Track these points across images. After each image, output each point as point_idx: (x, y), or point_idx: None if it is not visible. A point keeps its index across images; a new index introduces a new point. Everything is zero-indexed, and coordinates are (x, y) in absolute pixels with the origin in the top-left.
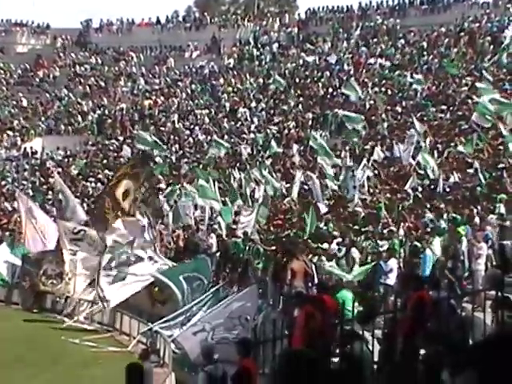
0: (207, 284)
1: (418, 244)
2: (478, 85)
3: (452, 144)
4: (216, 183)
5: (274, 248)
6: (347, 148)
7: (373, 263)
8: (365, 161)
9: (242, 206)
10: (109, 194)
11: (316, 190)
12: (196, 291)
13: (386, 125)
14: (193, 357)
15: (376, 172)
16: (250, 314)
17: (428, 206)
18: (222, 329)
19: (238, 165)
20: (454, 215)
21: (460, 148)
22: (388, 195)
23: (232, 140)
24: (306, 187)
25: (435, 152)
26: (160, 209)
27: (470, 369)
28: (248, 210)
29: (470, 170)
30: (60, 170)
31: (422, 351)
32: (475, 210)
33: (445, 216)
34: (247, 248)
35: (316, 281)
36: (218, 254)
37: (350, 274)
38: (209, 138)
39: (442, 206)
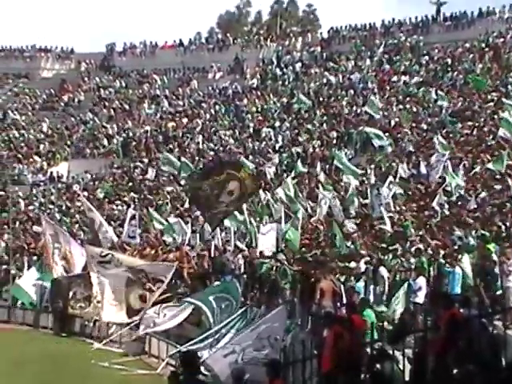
0: (236, 306)
1: (445, 261)
2: (504, 100)
3: (478, 160)
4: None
5: (301, 268)
6: (372, 166)
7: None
8: (391, 178)
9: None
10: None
11: (336, 207)
12: (225, 311)
13: (411, 142)
14: (223, 378)
15: (402, 190)
16: (279, 334)
17: (456, 223)
18: (251, 349)
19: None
20: (483, 232)
21: (489, 165)
22: (415, 213)
23: (257, 160)
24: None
25: (461, 169)
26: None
27: None
28: (266, 229)
29: (498, 186)
30: (86, 193)
31: (455, 371)
32: (503, 227)
33: (473, 233)
34: (274, 268)
35: (344, 300)
36: (245, 275)
37: (389, 310)
38: (233, 158)
39: (471, 222)
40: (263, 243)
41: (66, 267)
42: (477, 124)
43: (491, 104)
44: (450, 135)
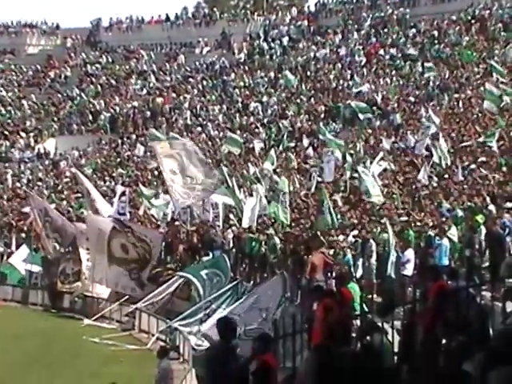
0: (225, 280)
1: (434, 233)
2: (492, 63)
3: (465, 133)
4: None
5: (290, 242)
6: (360, 140)
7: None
8: (381, 154)
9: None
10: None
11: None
12: (215, 287)
13: (398, 115)
14: None
15: (388, 163)
16: (273, 303)
17: (444, 195)
18: (251, 322)
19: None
20: (470, 204)
21: (481, 139)
22: (402, 186)
23: (245, 135)
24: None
25: (448, 141)
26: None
27: (503, 364)
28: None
29: (483, 159)
30: (74, 169)
31: (443, 342)
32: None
33: (461, 205)
34: (264, 243)
35: (334, 274)
36: (234, 250)
37: None
38: (221, 133)
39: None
40: (247, 217)
41: (59, 240)
42: (463, 96)
43: (478, 76)
44: (437, 108)
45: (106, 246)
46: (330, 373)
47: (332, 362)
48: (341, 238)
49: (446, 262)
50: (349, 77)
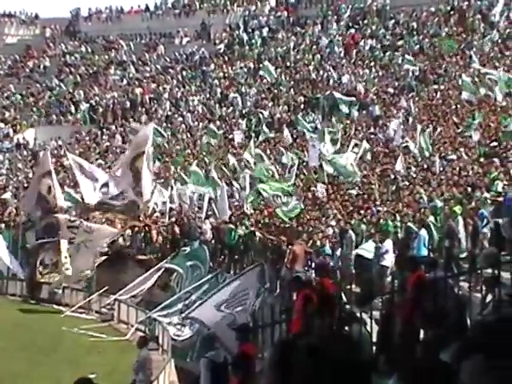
0: (204, 271)
1: (412, 225)
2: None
3: (444, 123)
4: (213, 169)
5: (269, 232)
6: (339, 130)
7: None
8: (353, 141)
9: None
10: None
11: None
12: (194, 279)
13: (377, 106)
14: (212, 326)
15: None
16: (251, 292)
17: (422, 185)
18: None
19: (231, 150)
20: (449, 194)
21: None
22: (381, 176)
23: (224, 126)
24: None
25: (427, 131)
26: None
27: (477, 353)
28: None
29: (462, 149)
30: (54, 159)
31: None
32: (469, 189)
33: (439, 195)
34: (243, 234)
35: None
36: (213, 241)
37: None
38: (201, 124)
39: (436, 185)
40: (220, 208)
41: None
42: (442, 87)
43: (456, 68)
44: (416, 99)
45: None
46: (290, 366)
47: (294, 356)
48: (322, 228)
49: (424, 252)
50: (328, 67)
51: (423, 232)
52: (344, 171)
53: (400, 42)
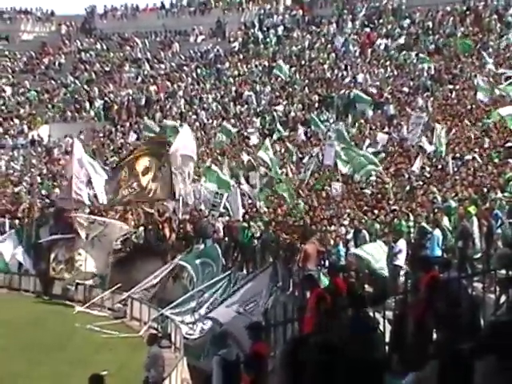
0: (216, 270)
1: (426, 225)
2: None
3: (459, 123)
4: (226, 168)
5: (283, 231)
6: (354, 129)
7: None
8: (368, 141)
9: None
10: (128, 166)
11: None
12: (206, 277)
13: (392, 106)
14: (230, 328)
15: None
16: (262, 296)
17: (437, 186)
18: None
19: (245, 148)
20: (464, 195)
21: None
22: (395, 175)
23: (238, 124)
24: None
25: (442, 131)
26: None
27: (490, 354)
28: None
29: (477, 150)
30: (68, 157)
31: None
32: (485, 189)
33: (454, 196)
34: (257, 233)
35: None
36: (226, 239)
37: (378, 263)
38: (215, 122)
39: (450, 185)
40: (233, 207)
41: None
42: (457, 87)
43: (471, 68)
44: (431, 98)
45: None
46: (302, 365)
47: (306, 354)
48: (333, 227)
49: (438, 252)
50: (343, 67)
51: (437, 232)
52: (358, 164)
53: (415, 42)
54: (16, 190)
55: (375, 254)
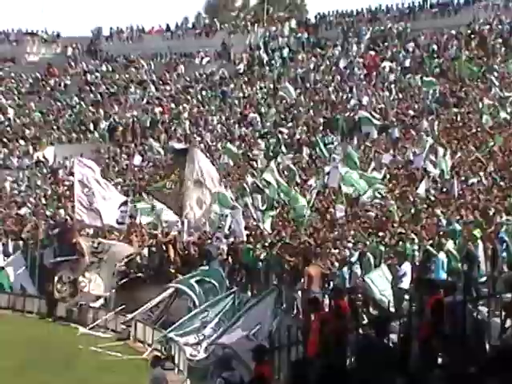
0: (219, 289)
1: (431, 248)
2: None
3: (463, 147)
4: (228, 190)
5: (287, 253)
6: (359, 152)
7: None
8: (373, 164)
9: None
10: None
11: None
12: (208, 294)
13: (397, 129)
14: (242, 353)
15: (388, 175)
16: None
17: (442, 209)
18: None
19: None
20: (471, 218)
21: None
22: (400, 198)
23: (243, 146)
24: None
25: (447, 154)
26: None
27: (495, 377)
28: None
29: (481, 173)
30: (72, 178)
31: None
32: (491, 212)
33: (458, 219)
34: (261, 255)
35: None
36: (230, 261)
37: (382, 293)
38: (220, 144)
39: (457, 207)
40: (237, 228)
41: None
42: (462, 110)
43: (476, 91)
44: (436, 122)
45: None
46: None
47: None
48: (336, 250)
49: (443, 275)
50: (348, 89)
51: (442, 255)
52: (363, 186)
53: (420, 65)
54: (21, 212)
55: (380, 284)
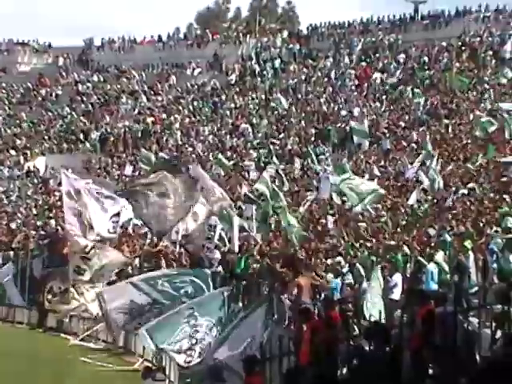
0: (205, 289)
1: (422, 259)
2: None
3: (454, 158)
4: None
5: (278, 263)
6: (351, 163)
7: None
8: (367, 176)
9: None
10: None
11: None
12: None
13: (388, 140)
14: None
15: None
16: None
17: (433, 220)
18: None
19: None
20: (460, 229)
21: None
22: (391, 209)
23: (235, 156)
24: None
25: (438, 165)
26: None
27: None
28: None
29: (471, 185)
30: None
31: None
32: (481, 224)
33: (449, 230)
34: (253, 264)
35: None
36: (223, 271)
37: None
38: (211, 154)
39: (448, 218)
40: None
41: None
42: (453, 122)
43: (467, 103)
44: (427, 133)
45: None
46: None
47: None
48: (329, 261)
49: (433, 286)
50: (339, 100)
51: (431, 266)
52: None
53: (411, 76)
54: (12, 224)
55: (375, 301)
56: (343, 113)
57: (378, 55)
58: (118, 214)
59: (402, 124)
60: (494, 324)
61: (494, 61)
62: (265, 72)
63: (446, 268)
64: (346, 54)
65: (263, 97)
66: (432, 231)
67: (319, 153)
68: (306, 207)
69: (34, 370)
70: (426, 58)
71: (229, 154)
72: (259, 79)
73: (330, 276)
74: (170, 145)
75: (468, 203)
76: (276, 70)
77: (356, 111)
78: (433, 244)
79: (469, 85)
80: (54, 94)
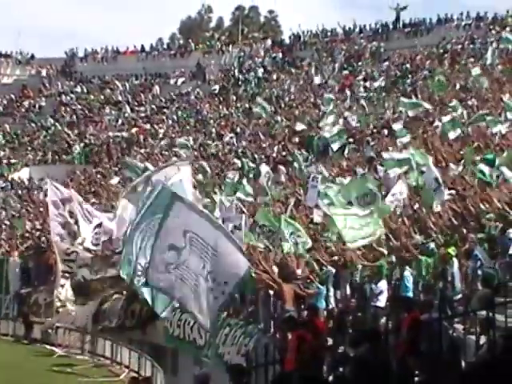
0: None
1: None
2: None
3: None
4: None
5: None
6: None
7: None
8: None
9: None
10: None
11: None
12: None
13: (370, 147)
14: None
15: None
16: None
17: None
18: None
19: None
20: (444, 236)
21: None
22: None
23: (219, 165)
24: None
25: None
26: None
27: None
28: None
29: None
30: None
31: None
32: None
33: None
34: None
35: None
36: None
37: None
38: (196, 164)
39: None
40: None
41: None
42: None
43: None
44: (411, 139)
45: None
46: None
47: None
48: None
49: (409, 293)
50: (322, 108)
51: (407, 273)
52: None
53: (394, 84)
54: None
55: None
56: (327, 120)
57: (360, 63)
58: (100, 225)
59: (385, 131)
60: (478, 330)
61: (475, 68)
62: (248, 81)
63: (424, 274)
64: (328, 62)
65: (247, 105)
66: (416, 237)
67: (303, 160)
68: (289, 213)
69: (19, 382)
70: (408, 66)
71: (213, 162)
72: (242, 88)
73: (315, 284)
74: (154, 155)
75: (451, 209)
76: (259, 79)
77: (339, 119)
78: (415, 250)
79: (448, 87)
80: (37, 106)
